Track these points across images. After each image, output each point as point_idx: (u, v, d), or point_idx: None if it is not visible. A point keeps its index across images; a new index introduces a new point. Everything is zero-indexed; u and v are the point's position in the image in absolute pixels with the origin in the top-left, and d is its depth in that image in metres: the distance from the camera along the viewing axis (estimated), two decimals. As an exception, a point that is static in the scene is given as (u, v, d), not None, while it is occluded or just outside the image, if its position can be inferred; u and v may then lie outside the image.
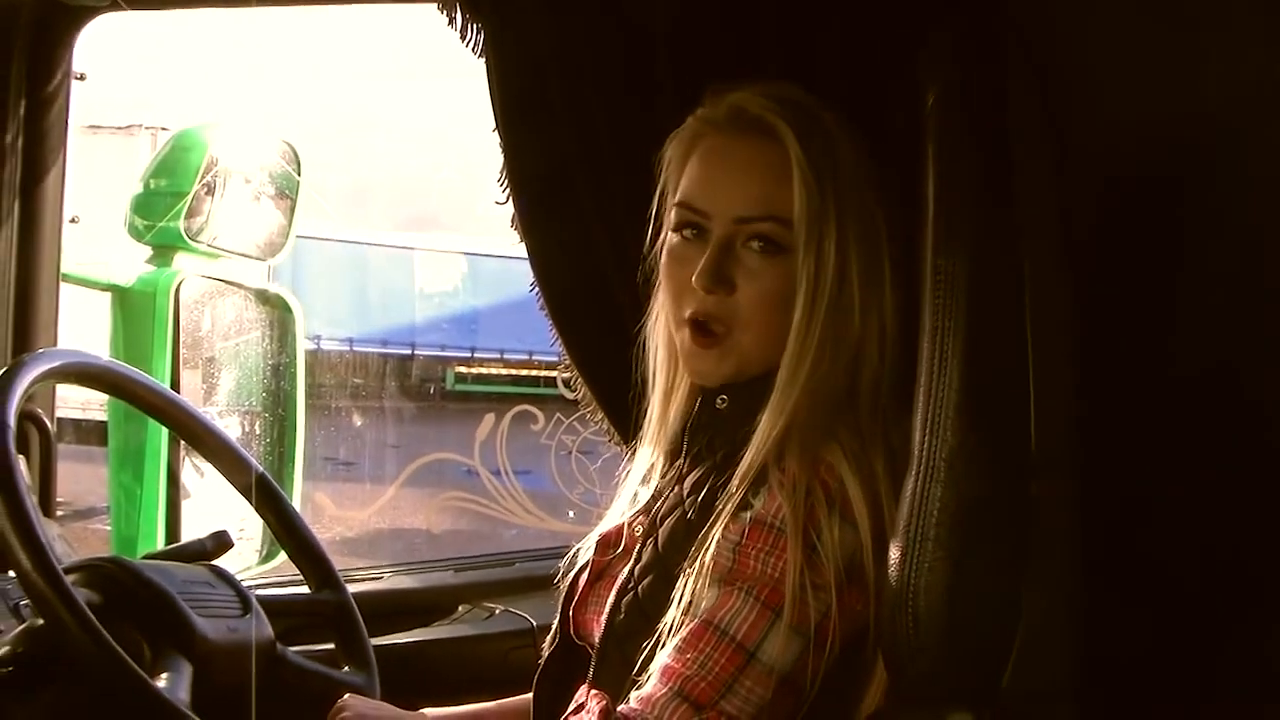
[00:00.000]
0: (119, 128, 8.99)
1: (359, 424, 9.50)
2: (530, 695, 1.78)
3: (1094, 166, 1.40)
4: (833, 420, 1.54)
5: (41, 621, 1.62)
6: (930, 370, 1.32)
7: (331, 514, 7.52)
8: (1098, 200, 1.41)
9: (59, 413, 2.45)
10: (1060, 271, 1.33)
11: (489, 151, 2.07)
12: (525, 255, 2.08)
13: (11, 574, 1.87)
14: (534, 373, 11.03)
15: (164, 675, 1.61)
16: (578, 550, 1.78)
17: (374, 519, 7.86)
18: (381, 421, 10.17)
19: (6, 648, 1.61)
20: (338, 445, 8.78)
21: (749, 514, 1.51)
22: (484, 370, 11.90)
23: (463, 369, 12.01)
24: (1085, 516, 1.32)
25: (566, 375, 2.15)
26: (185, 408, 2.04)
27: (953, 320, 1.32)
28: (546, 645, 1.79)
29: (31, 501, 1.60)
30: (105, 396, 2.57)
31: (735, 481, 1.54)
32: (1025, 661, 1.31)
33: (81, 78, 2.46)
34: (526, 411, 7.46)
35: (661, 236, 1.69)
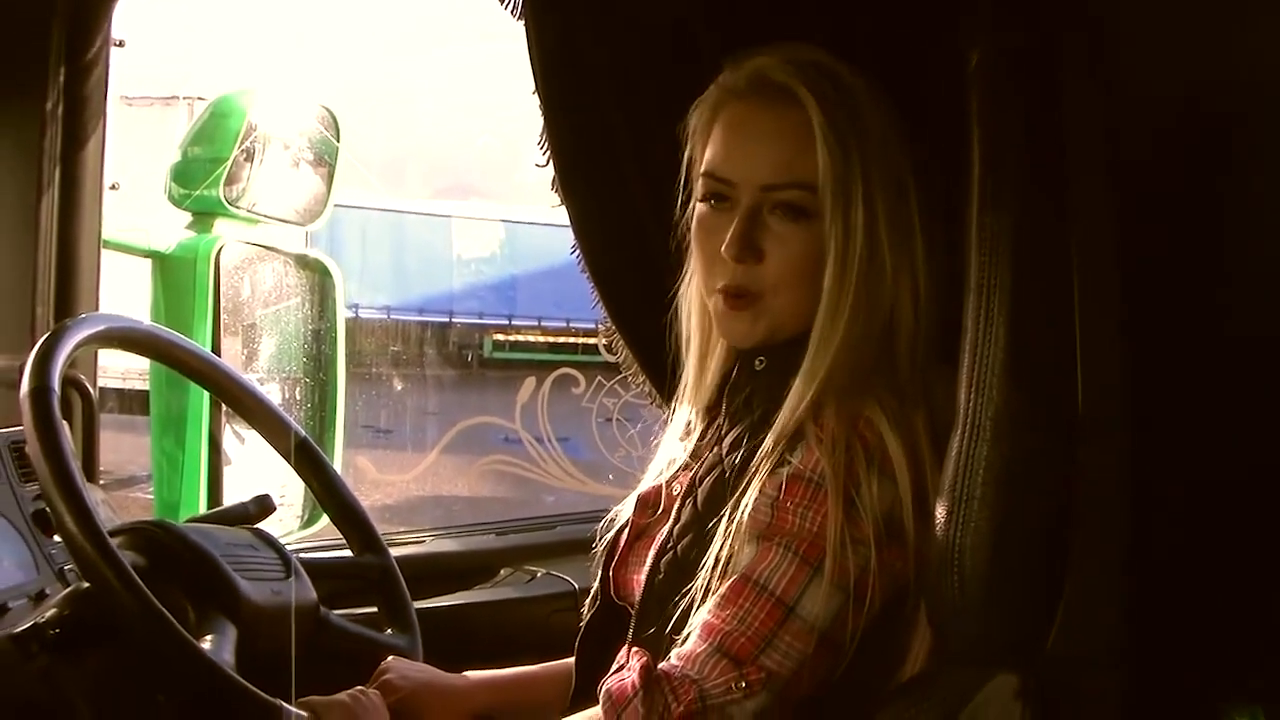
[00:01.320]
0: (156, 98, 9.01)
1: (396, 391, 9.52)
2: (572, 659, 1.79)
3: (1143, 126, 1.39)
4: (870, 381, 1.54)
5: (87, 584, 1.63)
6: (976, 329, 1.32)
7: (372, 478, 7.55)
8: (1147, 159, 1.39)
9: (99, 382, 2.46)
10: (1107, 230, 1.32)
11: (526, 117, 2.07)
12: (564, 221, 2.08)
13: (57, 538, 1.89)
14: (571, 340, 11.03)
15: (209, 637, 1.62)
16: (617, 512, 1.79)
17: (412, 486, 7.88)
18: (418, 389, 10.18)
19: (53, 610, 1.62)
20: (375, 412, 8.80)
21: (787, 470, 1.51)
22: (521, 338, 11.92)
23: (500, 336, 12.03)
24: (1133, 478, 1.31)
25: (607, 338, 2.15)
26: (228, 372, 2.04)
27: (998, 279, 1.31)
28: (587, 606, 1.79)
29: (76, 466, 1.61)
30: (144, 366, 2.58)
31: (771, 439, 1.54)
32: (1070, 625, 1.31)
33: (120, 44, 2.46)
34: (568, 375, 7.45)
35: (691, 203, 1.69)
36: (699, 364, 1.73)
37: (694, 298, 1.71)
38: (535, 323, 11.94)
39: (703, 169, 1.64)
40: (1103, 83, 1.34)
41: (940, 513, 1.34)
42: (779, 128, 1.58)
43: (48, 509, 1.78)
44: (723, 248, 1.58)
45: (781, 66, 1.58)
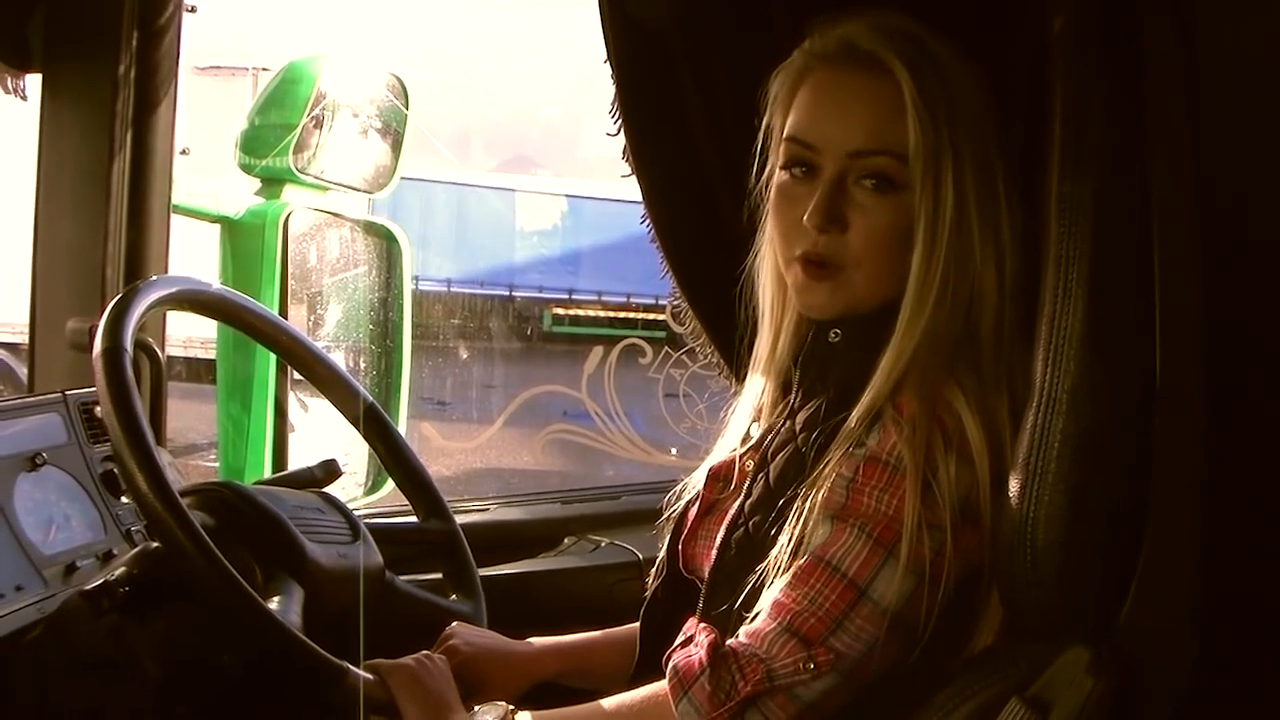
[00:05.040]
0: (223, 69, 9.08)
1: (456, 363, 9.53)
2: (635, 626, 1.79)
3: (1228, 94, 1.37)
4: (952, 359, 1.52)
5: (156, 544, 1.64)
6: (1054, 300, 1.30)
7: (437, 445, 7.56)
8: (1230, 129, 1.37)
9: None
10: (1189, 199, 1.30)
11: (590, 90, 2.06)
12: (626, 196, 2.06)
13: (124, 499, 1.90)
14: (631, 315, 11.01)
15: (276, 598, 1.63)
16: (686, 484, 1.78)
17: (474, 456, 7.89)
18: (478, 361, 10.18)
19: (123, 569, 1.63)
20: (434, 384, 8.81)
21: (863, 451, 1.50)
22: (581, 312, 11.89)
23: (560, 310, 12.01)
24: (1210, 450, 1.29)
25: (675, 308, 2.14)
26: (297, 337, 2.05)
27: (1078, 249, 1.30)
28: (653, 578, 1.79)
29: (147, 426, 1.62)
30: (207, 334, 2.59)
31: (852, 419, 1.52)
32: (1144, 596, 1.30)
33: (192, 10, 2.47)
34: (634, 345, 7.44)
35: (767, 171, 1.67)
36: (772, 336, 1.72)
37: (768, 269, 1.69)
38: (595, 297, 11.91)
39: (786, 134, 1.61)
40: (1188, 50, 1.31)
41: (1014, 487, 1.33)
42: (869, 94, 1.55)
43: (117, 469, 1.79)
44: (805, 216, 1.56)
45: (870, 34, 1.56)
